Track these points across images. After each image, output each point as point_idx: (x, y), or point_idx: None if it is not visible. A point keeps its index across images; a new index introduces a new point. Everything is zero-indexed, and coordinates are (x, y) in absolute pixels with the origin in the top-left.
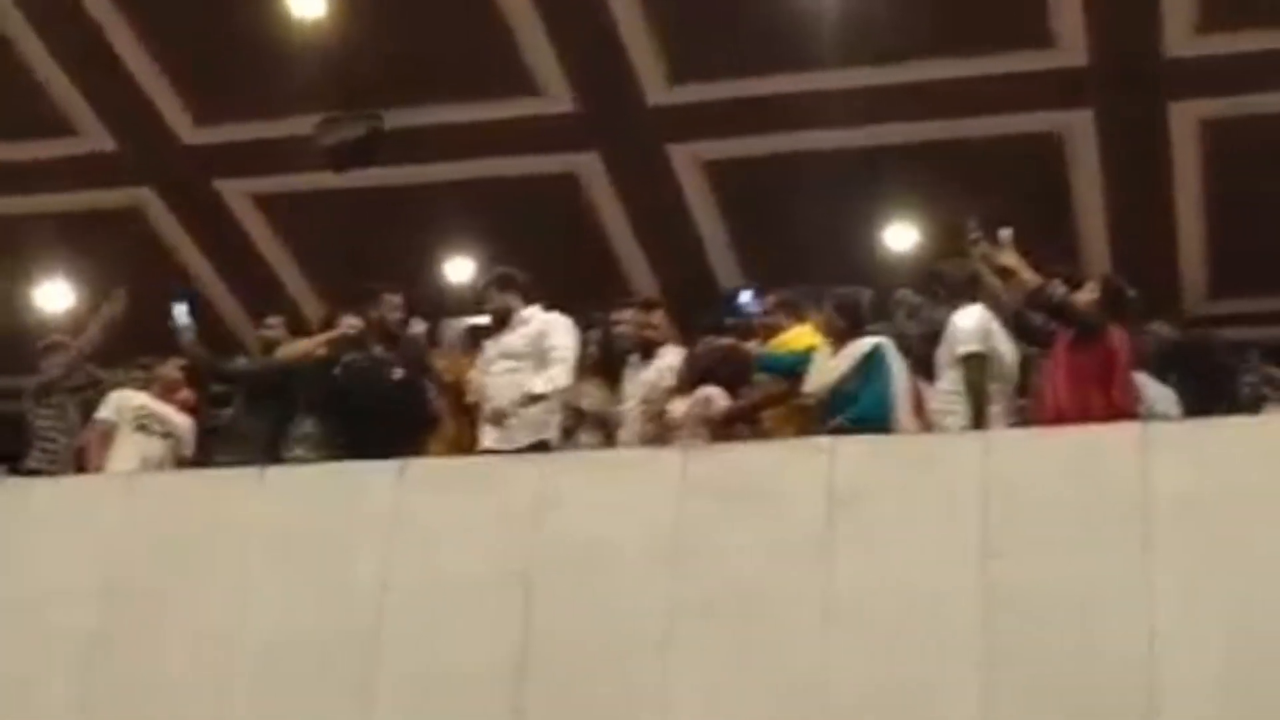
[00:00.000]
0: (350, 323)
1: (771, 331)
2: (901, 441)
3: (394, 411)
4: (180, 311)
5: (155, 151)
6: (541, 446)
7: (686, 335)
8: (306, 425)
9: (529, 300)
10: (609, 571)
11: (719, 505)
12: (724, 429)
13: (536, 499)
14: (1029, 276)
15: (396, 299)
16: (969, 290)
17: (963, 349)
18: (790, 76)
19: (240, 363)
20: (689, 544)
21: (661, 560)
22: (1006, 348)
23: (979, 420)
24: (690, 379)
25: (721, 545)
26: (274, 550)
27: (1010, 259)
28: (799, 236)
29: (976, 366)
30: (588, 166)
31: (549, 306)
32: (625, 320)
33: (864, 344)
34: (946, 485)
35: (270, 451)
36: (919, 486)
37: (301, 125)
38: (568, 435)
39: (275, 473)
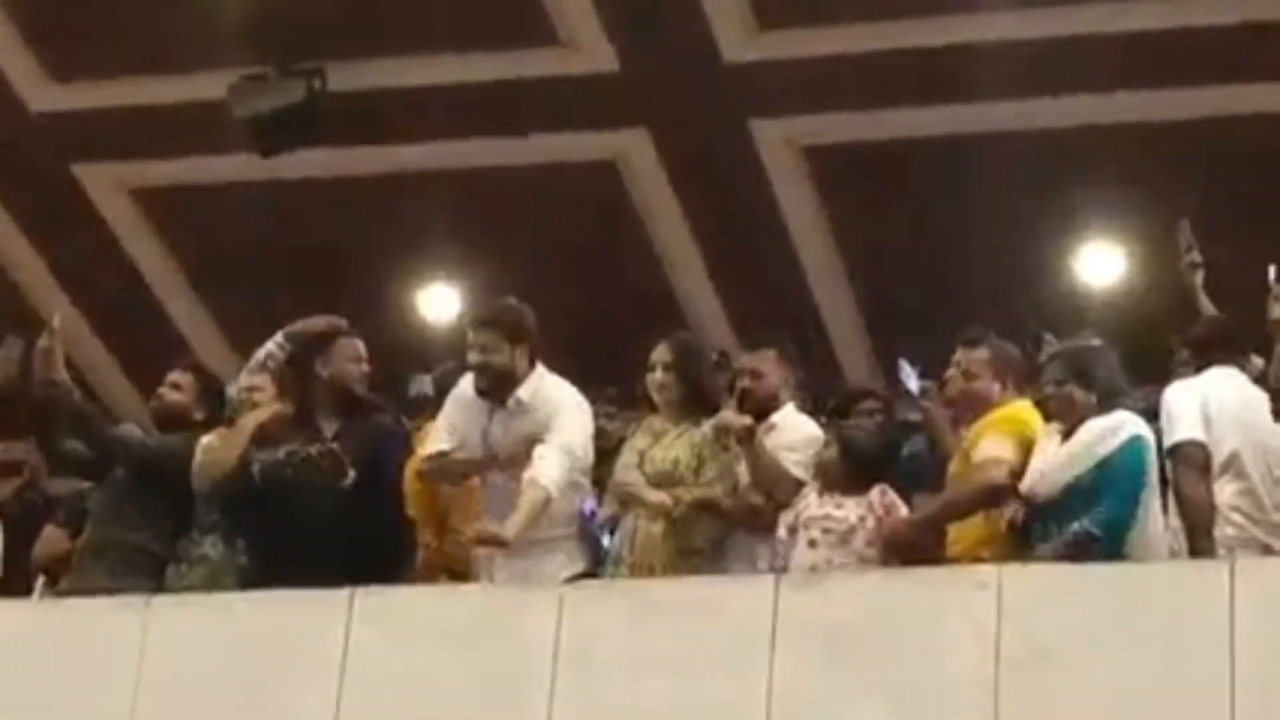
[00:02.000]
0: (252, 384)
1: (970, 403)
2: (1115, 573)
3: (339, 542)
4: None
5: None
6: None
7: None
8: (206, 545)
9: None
10: None
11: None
12: (905, 549)
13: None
14: None
15: (356, 344)
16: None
17: (1170, 439)
18: (933, 23)
19: (132, 432)
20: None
21: None
22: (1249, 436)
23: (1194, 541)
24: (852, 473)
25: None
26: (167, 714)
27: None
28: (933, 247)
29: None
30: (633, 149)
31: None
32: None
33: (1112, 428)
34: (1170, 632)
35: (157, 573)
36: (1130, 636)
37: (209, 87)
38: None
39: (171, 602)
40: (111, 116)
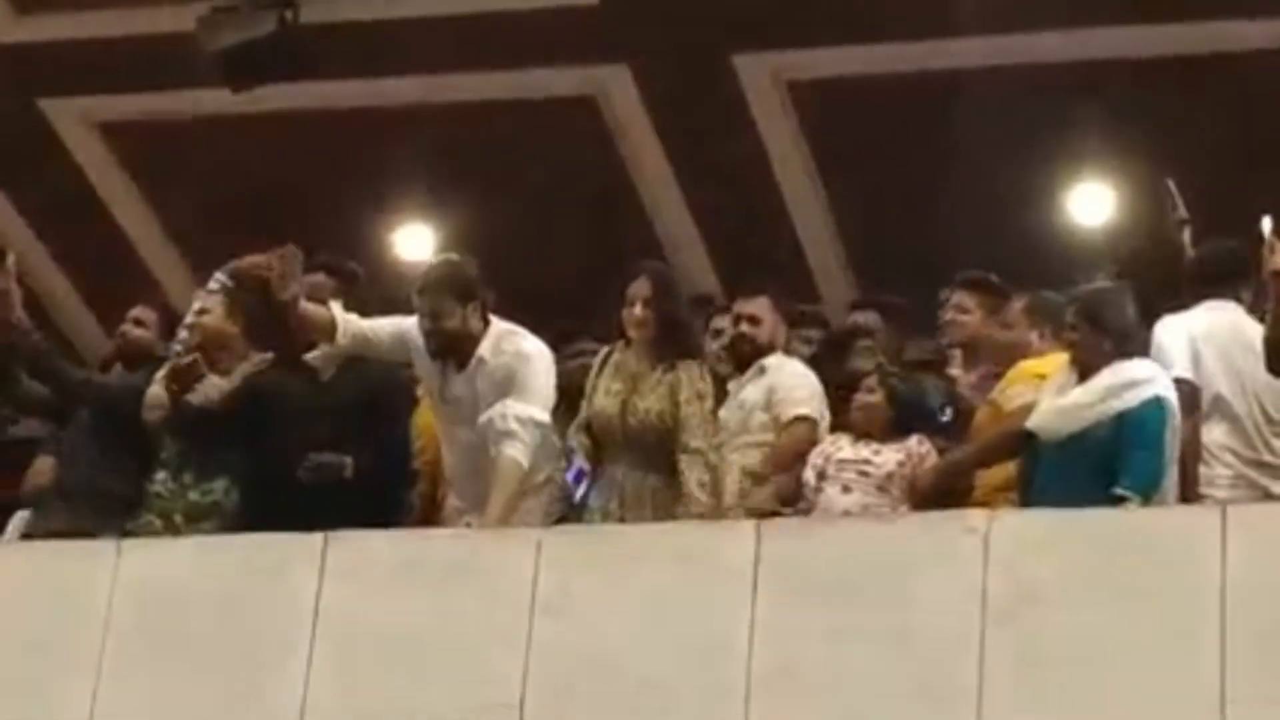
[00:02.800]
0: (202, 307)
1: (1006, 352)
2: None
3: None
4: None
5: None
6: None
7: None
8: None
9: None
10: (647, 708)
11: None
12: (932, 495)
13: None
14: None
15: (321, 278)
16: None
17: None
18: None
19: (90, 375)
20: (771, 663)
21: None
22: (1237, 373)
23: (1183, 483)
24: (894, 421)
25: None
26: (138, 660)
27: None
28: (918, 183)
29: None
30: (612, 85)
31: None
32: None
33: (1133, 383)
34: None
35: (124, 513)
36: (1120, 583)
37: (177, 18)
38: None
39: (143, 545)
40: (78, 49)
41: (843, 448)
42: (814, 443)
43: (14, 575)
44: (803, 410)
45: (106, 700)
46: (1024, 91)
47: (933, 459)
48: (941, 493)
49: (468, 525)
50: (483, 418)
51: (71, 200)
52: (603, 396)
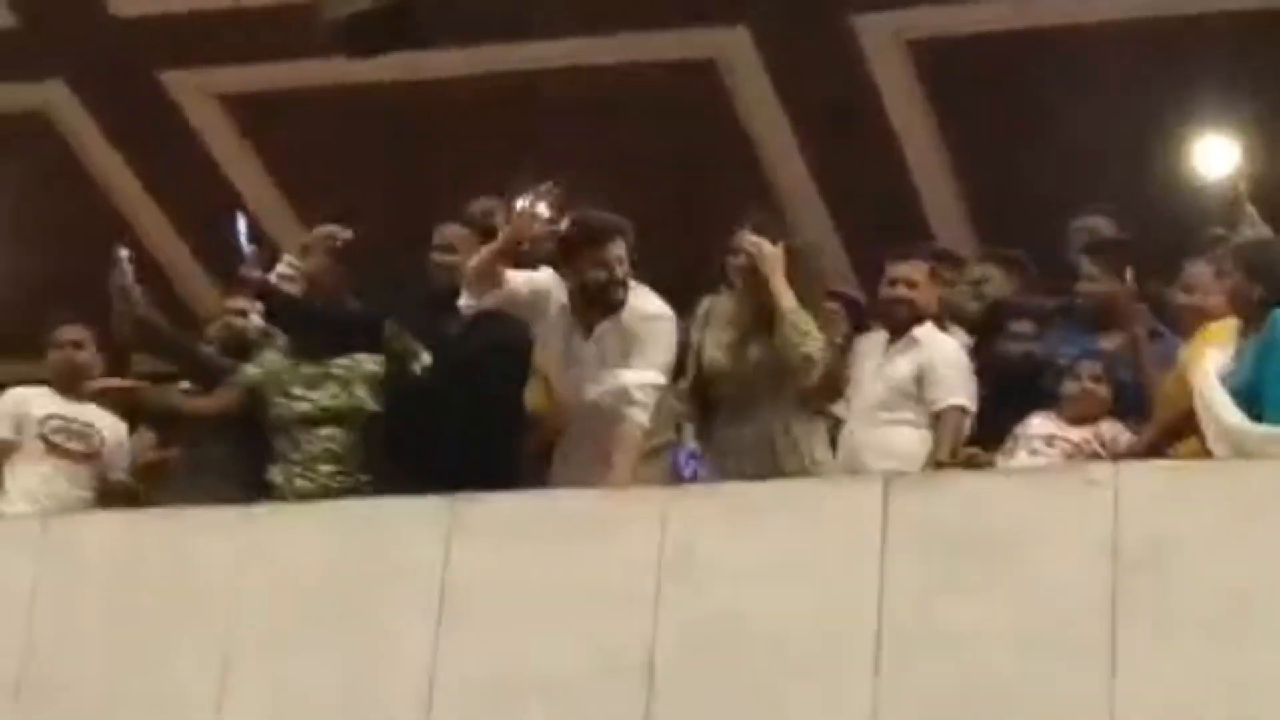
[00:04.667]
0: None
1: (1192, 317)
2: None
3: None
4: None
5: (70, 27)
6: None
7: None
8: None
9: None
10: (776, 666)
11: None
12: None
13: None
14: None
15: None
16: None
17: None
18: None
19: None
20: (901, 619)
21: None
22: None
23: None
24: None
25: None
26: (265, 627)
27: None
28: (1040, 142)
29: None
30: (732, 47)
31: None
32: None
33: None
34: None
35: (254, 482)
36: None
37: None
38: None
39: (267, 513)
40: (196, 21)
41: (1037, 421)
42: (964, 432)
43: (142, 545)
44: (958, 400)
45: (236, 667)
46: (1140, 44)
47: (1124, 440)
48: None
49: None
50: (604, 385)
51: (193, 171)
52: (713, 349)
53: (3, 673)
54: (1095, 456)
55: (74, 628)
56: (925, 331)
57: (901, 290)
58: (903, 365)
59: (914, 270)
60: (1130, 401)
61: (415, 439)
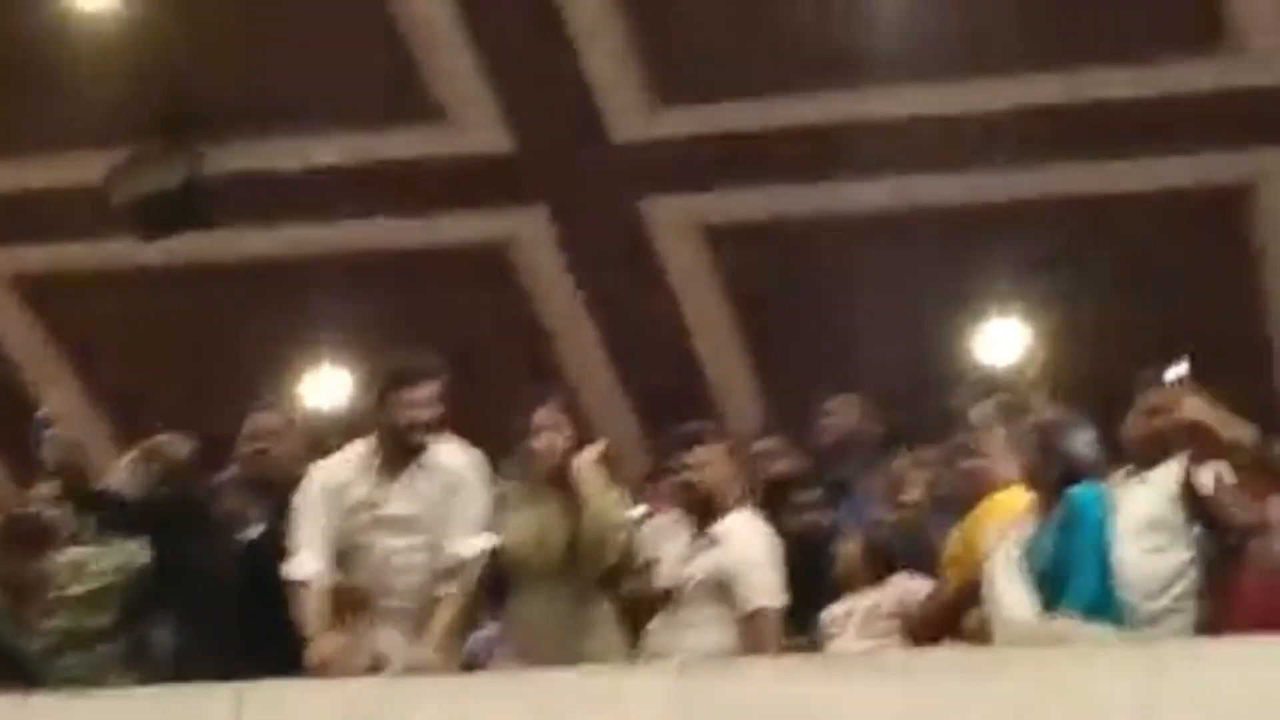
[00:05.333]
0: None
1: (978, 481)
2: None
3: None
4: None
5: None
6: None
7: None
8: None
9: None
10: None
11: None
12: (923, 632)
13: None
14: (1240, 434)
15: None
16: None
17: None
18: (830, 98)
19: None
20: None
21: None
22: None
23: None
24: (876, 568)
25: None
26: None
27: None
28: (829, 324)
29: None
30: (526, 230)
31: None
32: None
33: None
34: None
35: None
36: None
37: (86, 168)
38: None
39: (48, 701)
40: None
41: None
42: (777, 631)
43: None
44: (765, 601)
45: None
46: (933, 231)
47: (921, 594)
48: (932, 629)
49: None
50: (443, 552)
51: None
52: (513, 530)
53: None
54: (892, 616)
55: None
56: (728, 528)
57: (691, 474)
58: (706, 563)
59: (707, 453)
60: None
61: (205, 626)
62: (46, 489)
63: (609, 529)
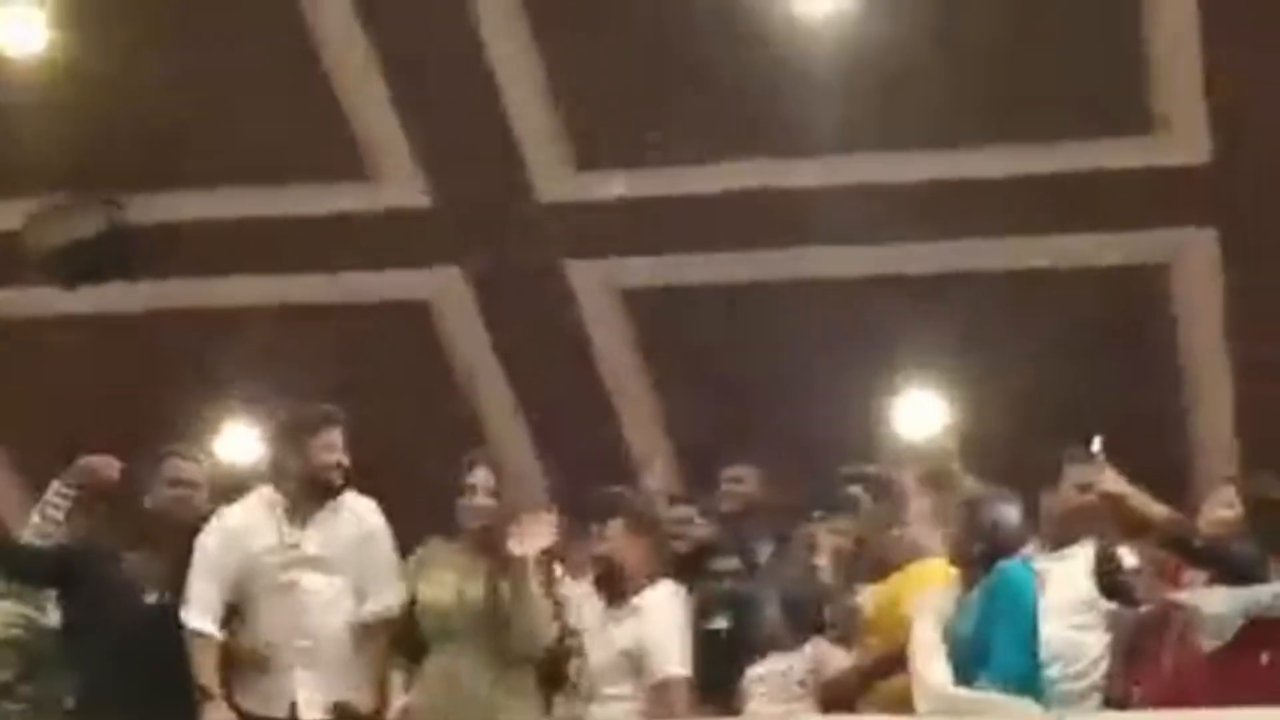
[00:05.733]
0: None
1: (903, 549)
2: None
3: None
4: None
5: None
6: None
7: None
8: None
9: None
10: None
11: None
12: (838, 700)
13: None
14: (1156, 512)
15: (174, 465)
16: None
17: None
18: (754, 166)
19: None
20: None
21: None
22: None
23: None
24: (792, 629)
25: None
26: None
27: (1118, 484)
28: (749, 392)
29: None
30: (445, 289)
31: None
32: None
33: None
34: None
35: None
36: None
37: (5, 215)
38: None
39: None
40: None
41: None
42: (685, 700)
43: None
44: (677, 669)
45: None
46: (851, 301)
47: (833, 660)
48: (846, 699)
49: None
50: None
51: None
52: (433, 587)
53: None
54: (803, 684)
55: None
56: (646, 599)
57: (607, 548)
58: (621, 636)
59: (619, 527)
60: None
61: (108, 684)
62: None
63: (544, 624)
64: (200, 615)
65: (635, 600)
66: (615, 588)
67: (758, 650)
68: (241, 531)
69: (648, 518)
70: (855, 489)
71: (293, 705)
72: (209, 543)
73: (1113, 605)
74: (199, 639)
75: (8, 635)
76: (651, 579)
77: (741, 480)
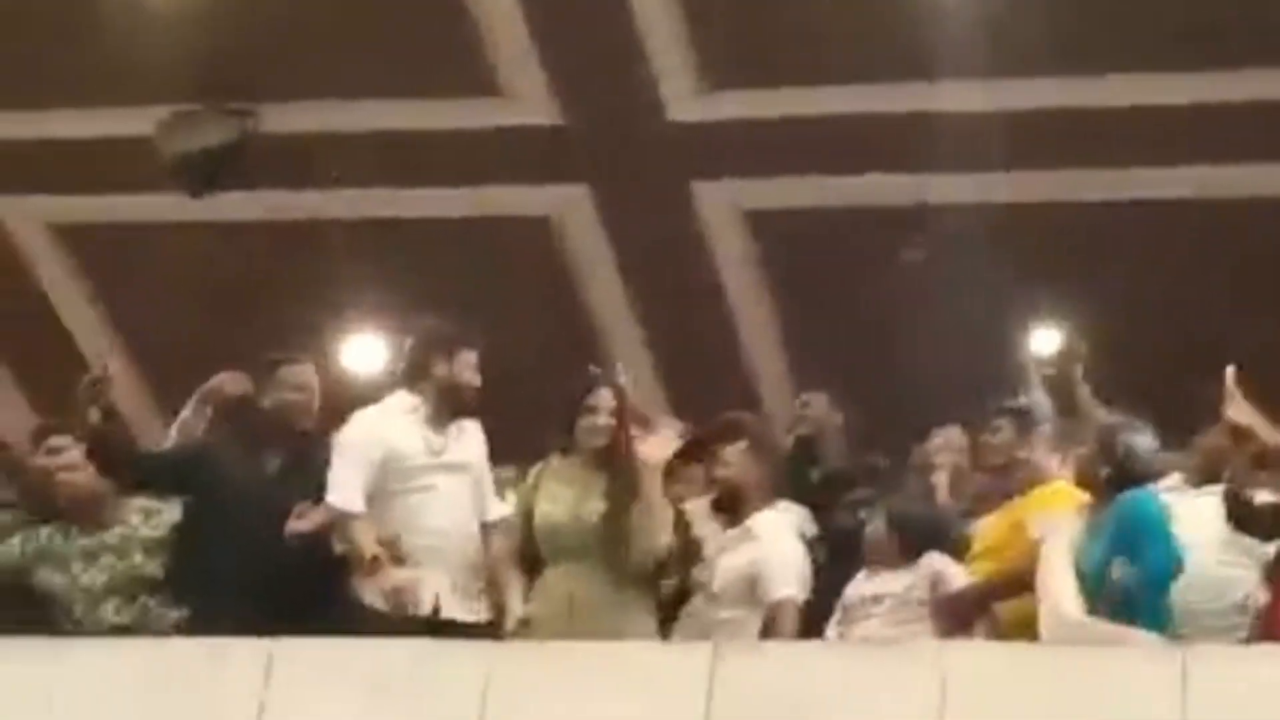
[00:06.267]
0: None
1: (1027, 474)
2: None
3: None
4: None
5: None
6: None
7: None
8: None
9: None
10: None
11: None
12: (955, 620)
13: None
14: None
15: (298, 371)
16: None
17: None
18: (885, 90)
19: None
20: None
21: None
22: None
23: None
24: (901, 547)
25: None
26: None
27: (1243, 413)
28: (872, 318)
29: None
30: (570, 206)
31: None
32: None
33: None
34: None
35: None
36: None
37: (136, 122)
38: None
39: (83, 644)
40: (34, 150)
41: (859, 582)
42: (795, 622)
43: None
44: (790, 591)
45: None
46: (984, 229)
47: (950, 578)
48: (963, 617)
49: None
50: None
51: (20, 299)
52: (550, 503)
53: None
54: (922, 604)
55: None
56: (761, 522)
57: (726, 471)
58: (738, 559)
59: (738, 451)
60: None
61: (231, 578)
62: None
63: (664, 533)
64: (350, 499)
65: (750, 523)
66: (733, 510)
67: (869, 569)
68: (384, 431)
69: (768, 442)
70: (986, 410)
71: (435, 601)
72: (353, 437)
73: (1268, 547)
74: (352, 519)
75: (158, 536)
76: (768, 503)
77: (810, 405)
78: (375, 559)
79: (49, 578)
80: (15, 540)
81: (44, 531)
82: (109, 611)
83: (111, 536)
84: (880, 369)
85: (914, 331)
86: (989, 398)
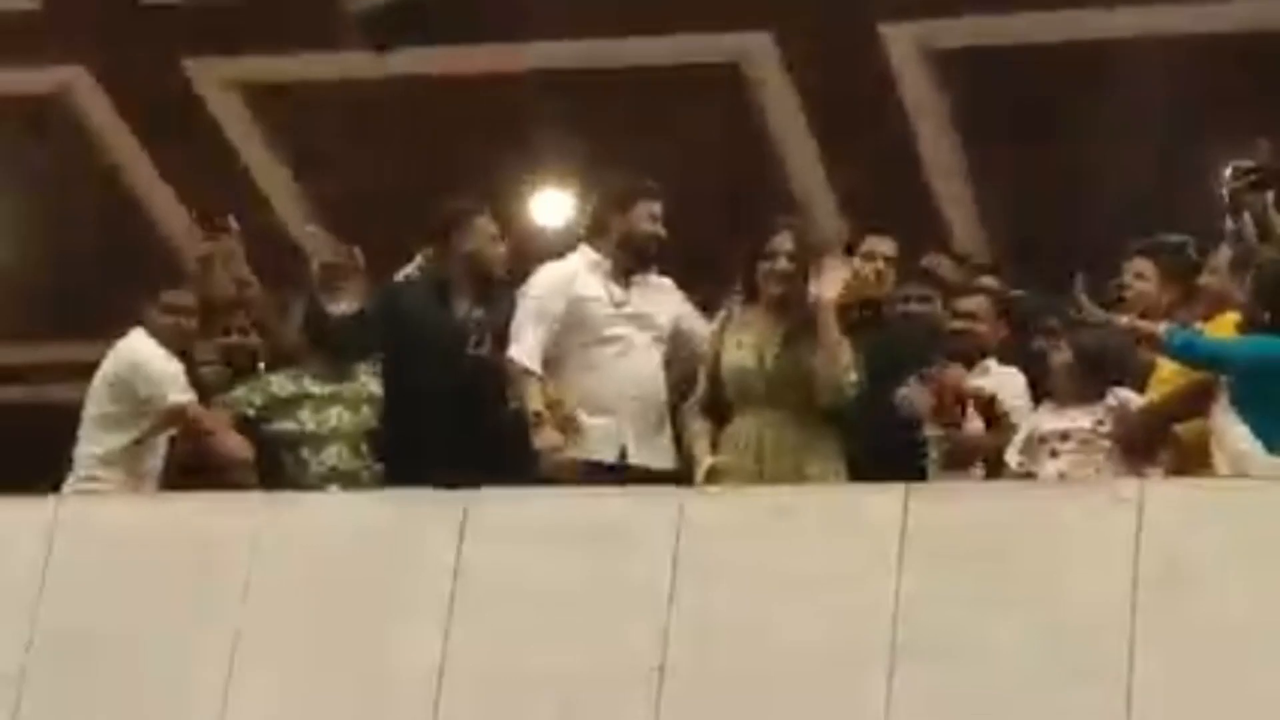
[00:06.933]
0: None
1: (1211, 301)
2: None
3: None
4: None
5: (93, 13)
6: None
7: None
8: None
9: None
10: (789, 673)
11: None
12: (1137, 441)
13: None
14: None
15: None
16: None
17: None
18: None
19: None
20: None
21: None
22: None
23: None
24: (1086, 379)
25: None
26: (277, 614)
27: None
28: (1061, 157)
29: None
30: (756, 52)
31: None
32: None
33: None
34: None
35: None
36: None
37: None
38: None
39: (287, 499)
40: (217, 9)
41: (1044, 418)
42: None
43: (164, 528)
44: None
45: (246, 653)
46: (1171, 63)
47: (1134, 403)
48: (1146, 437)
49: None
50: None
51: (210, 160)
52: (735, 350)
53: (10, 658)
54: (1111, 439)
55: (85, 611)
56: (992, 365)
57: (963, 324)
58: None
59: (978, 305)
60: None
61: (427, 435)
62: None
63: (848, 369)
64: (529, 356)
65: (986, 362)
66: (965, 358)
67: (1055, 401)
68: (569, 283)
69: (999, 296)
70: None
71: (623, 449)
72: (538, 290)
73: None
74: (527, 376)
75: (369, 427)
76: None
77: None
78: (538, 415)
79: (280, 425)
80: (240, 391)
81: (274, 380)
82: (332, 456)
83: (348, 390)
84: (1068, 204)
85: (1104, 165)
86: (1177, 229)
